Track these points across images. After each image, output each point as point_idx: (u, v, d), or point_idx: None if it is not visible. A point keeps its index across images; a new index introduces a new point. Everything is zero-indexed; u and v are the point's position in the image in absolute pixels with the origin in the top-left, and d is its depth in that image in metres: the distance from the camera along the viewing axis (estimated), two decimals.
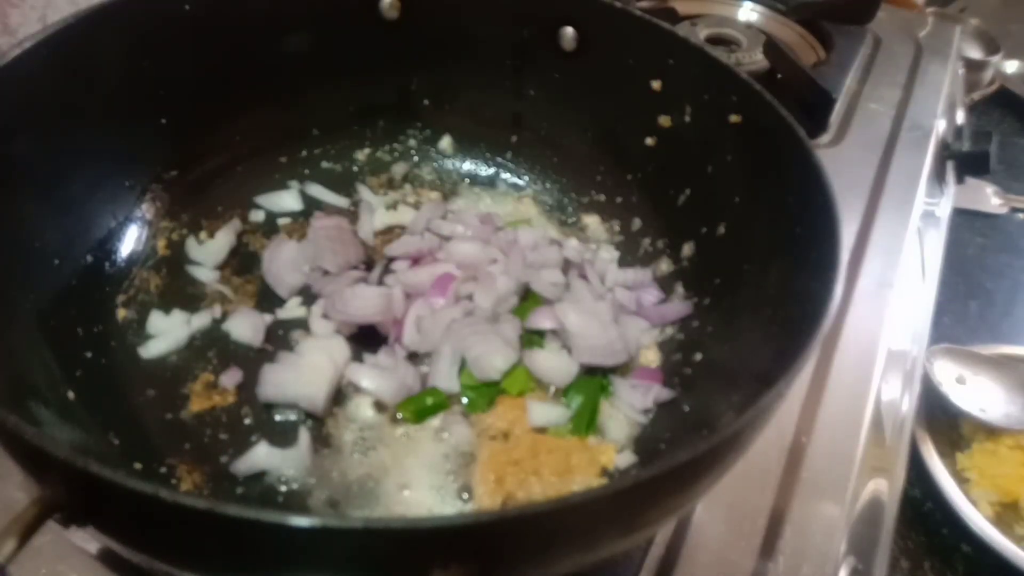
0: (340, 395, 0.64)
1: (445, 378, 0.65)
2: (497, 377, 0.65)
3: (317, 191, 0.81)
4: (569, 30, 0.75)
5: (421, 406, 0.63)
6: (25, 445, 0.37)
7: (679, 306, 0.70)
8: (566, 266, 0.74)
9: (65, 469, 0.35)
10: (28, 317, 0.57)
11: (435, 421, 0.63)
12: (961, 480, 0.91)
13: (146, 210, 0.72)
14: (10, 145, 0.58)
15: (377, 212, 0.80)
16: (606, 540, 0.42)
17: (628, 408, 0.64)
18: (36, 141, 0.60)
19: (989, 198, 1.40)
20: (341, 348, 0.66)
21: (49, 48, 0.59)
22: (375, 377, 0.64)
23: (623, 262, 0.76)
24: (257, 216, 0.78)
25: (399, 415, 0.63)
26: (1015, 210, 1.39)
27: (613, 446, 0.62)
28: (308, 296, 0.71)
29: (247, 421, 0.62)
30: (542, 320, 0.68)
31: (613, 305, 0.70)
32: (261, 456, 0.58)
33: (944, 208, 1.11)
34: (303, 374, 0.63)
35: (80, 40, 0.62)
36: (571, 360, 0.66)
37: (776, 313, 0.56)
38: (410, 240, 0.76)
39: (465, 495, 0.59)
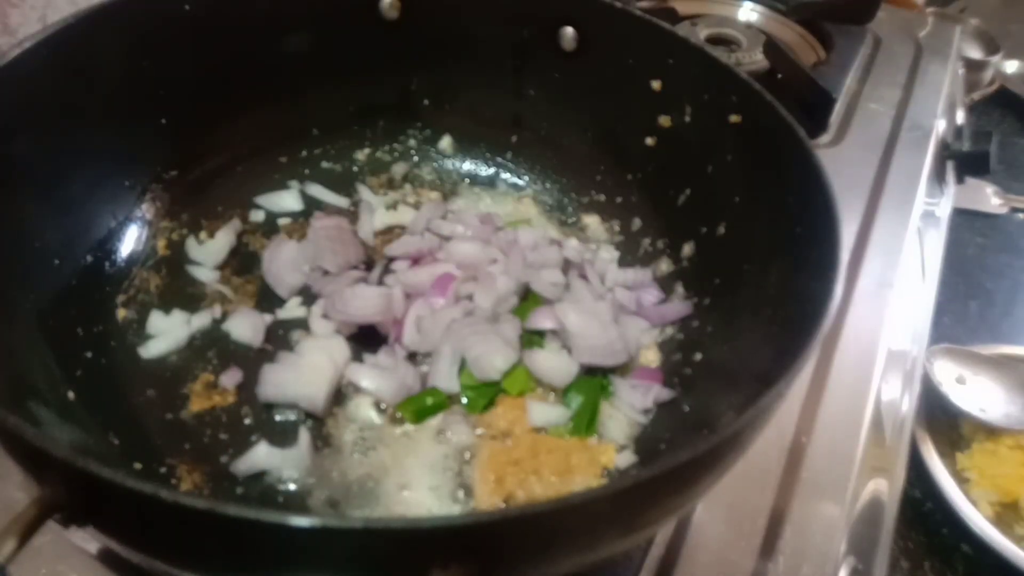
0: (340, 395, 0.64)
1: (445, 378, 0.65)
2: (497, 377, 0.65)
3: (317, 191, 0.81)
4: (569, 30, 0.75)
5: (421, 406, 0.63)
6: (25, 445, 0.37)
7: (679, 306, 0.70)
8: (566, 266, 0.74)
9: (65, 469, 0.35)
10: (28, 317, 0.57)
11: (435, 421, 0.63)
12: (961, 480, 0.91)
13: (146, 210, 0.72)
14: (10, 145, 0.58)
15: (377, 212, 0.80)
16: (606, 540, 0.42)
17: (628, 408, 0.64)
18: (36, 141, 0.60)
19: (989, 198, 1.40)
20: (341, 348, 0.66)
21: (49, 48, 0.59)
22: (375, 377, 0.64)
23: (623, 262, 0.76)
24: (257, 216, 0.78)
25: (399, 415, 0.63)
26: (1015, 210, 1.39)
27: (613, 446, 0.62)
28: (308, 296, 0.71)
29: (247, 421, 0.62)
30: (542, 320, 0.68)
31: (613, 305, 0.70)
32: (261, 456, 0.58)
33: (944, 208, 1.11)
34: (303, 374, 0.63)
35: (80, 40, 0.62)
36: (571, 360, 0.66)
37: (776, 313, 0.56)
38: (410, 240, 0.76)
39: (465, 495, 0.59)
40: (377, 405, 0.64)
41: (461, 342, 0.66)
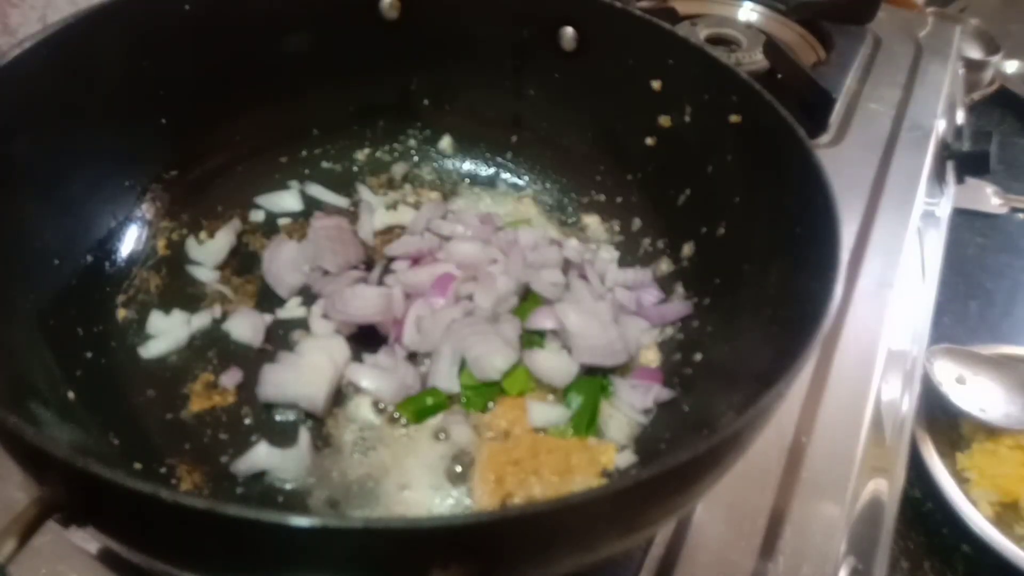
0: (340, 395, 0.64)
1: (445, 378, 0.65)
2: (497, 377, 0.65)
3: (317, 191, 0.81)
4: (569, 30, 0.75)
5: (421, 406, 0.63)
6: (25, 445, 0.37)
7: (679, 306, 0.70)
8: (566, 266, 0.74)
9: (65, 469, 0.35)
10: (28, 317, 0.57)
11: (435, 421, 0.63)
12: (961, 480, 0.91)
13: (146, 210, 0.72)
14: (10, 145, 0.58)
15: (377, 212, 0.80)
16: (606, 540, 0.42)
17: (628, 408, 0.64)
18: (36, 141, 0.60)
19: (989, 198, 1.40)
20: (341, 348, 0.66)
21: (49, 48, 0.59)
22: (375, 377, 0.64)
23: (623, 262, 0.76)
24: (257, 216, 0.78)
25: (399, 415, 0.63)
26: (1015, 210, 1.39)
27: (613, 446, 0.62)
28: (308, 296, 0.71)
29: (247, 421, 0.62)
30: (542, 320, 0.68)
31: (613, 305, 0.70)
32: (261, 456, 0.58)
33: (944, 208, 1.11)
34: (303, 374, 0.63)
35: (80, 40, 0.62)
36: (571, 360, 0.66)
37: (776, 313, 0.56)
38: (410, 240, 0.76)
39: (465, 495, 0.59)
40: (377, 405, 0.64)
41: (461, 342, 0.66)
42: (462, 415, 0.63)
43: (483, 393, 0.65)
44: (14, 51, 0.57)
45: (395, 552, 0.35)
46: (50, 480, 0.36)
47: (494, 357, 0.65)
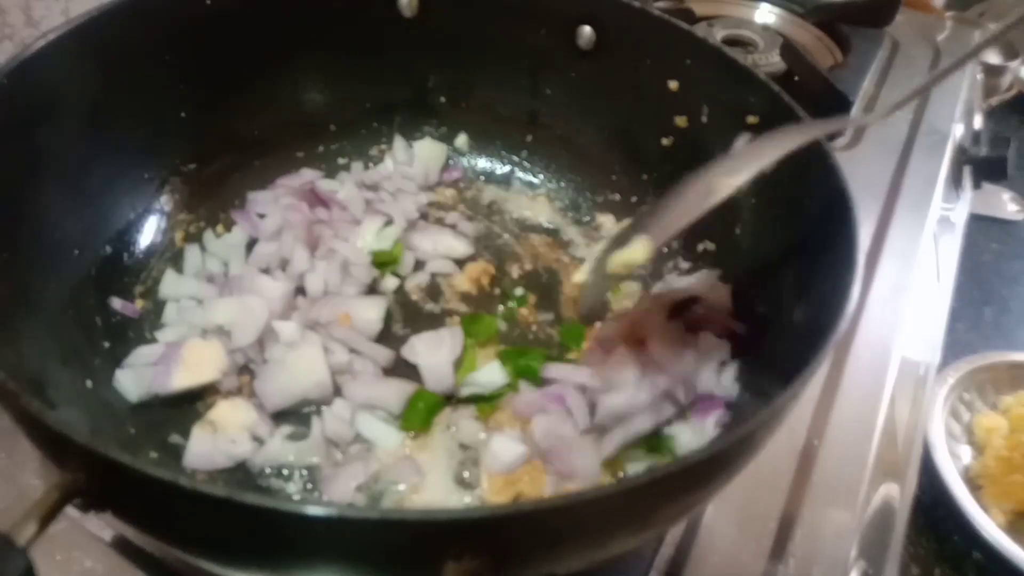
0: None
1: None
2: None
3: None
4: (587, 29, 0.75)
5: (416, 411, 0.62)
6: (47, 430, 0.37)
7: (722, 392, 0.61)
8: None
9: (87, 454, 0.35)
10: (48, 306, 0.58)
11: (443, 417, 0.63)
12: (974, 487, 0.90)
13: (164, 202, 0.72)
14: (34, 136, 0.58)
15: None
16: (617, 537, 0.42)
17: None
18: (58, 132, 0.60)
19: (1005, 204, 1.39)
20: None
21: (72, 40, 0.60)
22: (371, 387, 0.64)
23: None
24: None
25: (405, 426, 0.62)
26: None
27: None
28: None
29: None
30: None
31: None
32: (276, 448, 0.59)
33: (960, 213, 1.11)
34: (297, 369, 0.62)
35: (102, 33, 0.62)
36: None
37: (791, 314, 0.56)
38: None
39: (474, 491, 0.59)
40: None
41: None
42: (471, 413, 0.64)
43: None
44: (38, 43, 0.58)
45: (410, 543, 0.35)
46: (71, 465, 0.37)
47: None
